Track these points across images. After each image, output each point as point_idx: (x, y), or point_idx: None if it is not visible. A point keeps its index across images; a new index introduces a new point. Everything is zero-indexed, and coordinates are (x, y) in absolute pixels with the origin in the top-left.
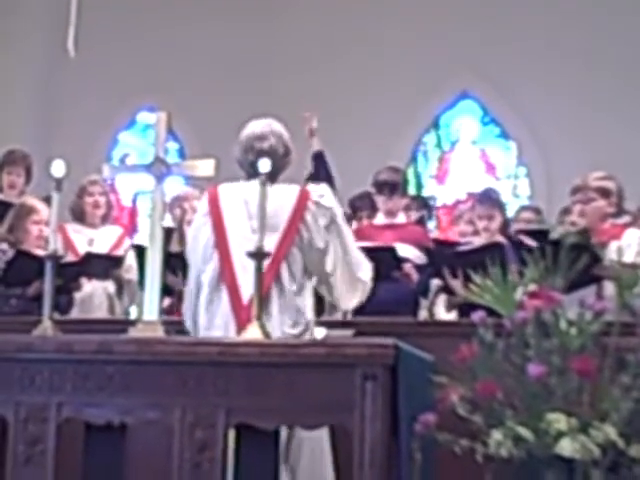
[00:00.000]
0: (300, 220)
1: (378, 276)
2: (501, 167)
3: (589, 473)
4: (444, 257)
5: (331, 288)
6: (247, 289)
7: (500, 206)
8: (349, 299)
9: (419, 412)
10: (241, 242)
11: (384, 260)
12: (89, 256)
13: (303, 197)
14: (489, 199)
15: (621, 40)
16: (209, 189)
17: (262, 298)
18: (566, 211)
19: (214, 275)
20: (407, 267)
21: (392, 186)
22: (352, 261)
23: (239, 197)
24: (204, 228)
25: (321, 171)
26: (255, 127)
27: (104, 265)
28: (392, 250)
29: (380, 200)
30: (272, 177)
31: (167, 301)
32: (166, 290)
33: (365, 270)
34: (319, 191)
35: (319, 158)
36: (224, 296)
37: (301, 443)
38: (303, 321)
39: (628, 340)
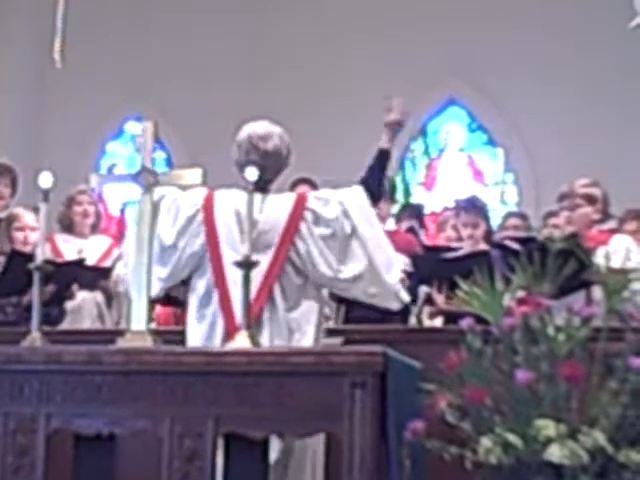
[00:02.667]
0: (295, 232)
1: None
2: (489, 174)
3: (578, 479)
4: (430, 264)
5: (348, 291)
6: (239, 307)
7: (485, 214)
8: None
9: (408, 419)
10: (234, 258)
11: None
12: (79, 264)
13: (299, 206)
14: (474, 207)
15: (608, 47)
16: (207, 195)
17: (250, 307)
18: (550, 214)
19: (206, 290)
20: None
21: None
22: (378, 266)
23: (231, 207)
24: (195, 222)
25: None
26: (256, 127)
27: (92, 276)
28: None
29: None
30: (270, 180)
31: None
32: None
33: (394, 272)
34: (322, 196)
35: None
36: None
37: (303, 457)
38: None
39: (616, 346)
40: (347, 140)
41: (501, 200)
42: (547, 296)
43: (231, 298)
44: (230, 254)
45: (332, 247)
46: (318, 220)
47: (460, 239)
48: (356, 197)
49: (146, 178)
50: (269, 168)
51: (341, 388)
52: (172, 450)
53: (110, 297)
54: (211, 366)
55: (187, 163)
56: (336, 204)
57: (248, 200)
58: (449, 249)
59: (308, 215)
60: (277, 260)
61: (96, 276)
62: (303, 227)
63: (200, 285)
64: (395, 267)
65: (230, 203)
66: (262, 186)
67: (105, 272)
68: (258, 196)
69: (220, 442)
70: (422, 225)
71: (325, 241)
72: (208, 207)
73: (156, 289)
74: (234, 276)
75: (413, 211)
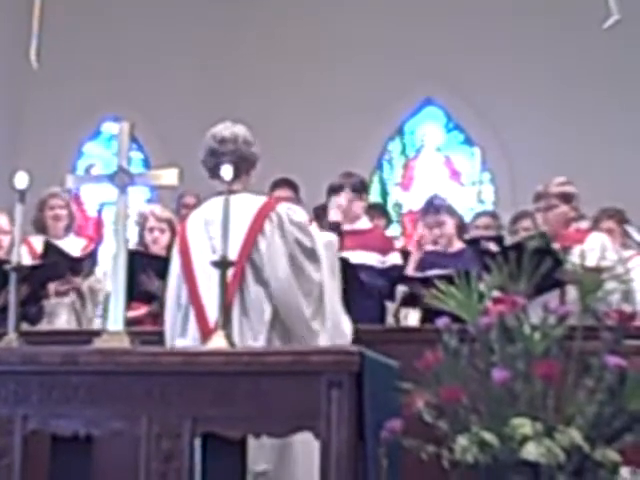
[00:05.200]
0: (258, 229)
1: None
2: (465, 173)
3: (554, 477)
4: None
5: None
6: (213, 312)
7: (448, 210)
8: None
9: (385, 418)
10: (204, 266)
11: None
12: (48, 247)
13: (267, 207)
14: (431, 206)
15: (586, 47)
16: (183, 221)
17: (227, 308)
18: (518, 217)
19: (185, 303)
20: None
21: (337, 189)
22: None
23: (201, 219)
24: (175, 258)
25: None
26: (220, 129)
27: (63, 265)
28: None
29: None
30: (236, 169)
31: (145, 308)
32: (147, 296)
33: (341, 329)
34: (293, 209)
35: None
36: (192, 324)
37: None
38: (264, 332)
39: (592, 344)
40: (325, 142)
41: (478, 199)
42: (523, 295)
43: (203, 304)
44: (202, 266)
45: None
46: (282, 226)
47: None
48: (329, 243)
49: (122, 178)
50: (228, 154)
51: (318, 388)
52: (150, 451)
53: (82, 297)
54: (188, 366)
55: (164, 164)
56: (303, 216)
57: (225, 199)
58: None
59: (274, 216)
60: (244, 250)
61: (67, 266)
62: (267, 226)
63: (183, 297)
64: (343, 328)
65: (199, 216)
66: (231, 187)
67: (78, 263)
68: (222, 198)
69: (198, 442)
70: (389, 224)
71: (285, 246)
72: (182, 232)
73: None
74: (206, 282)
75: (379, 210)
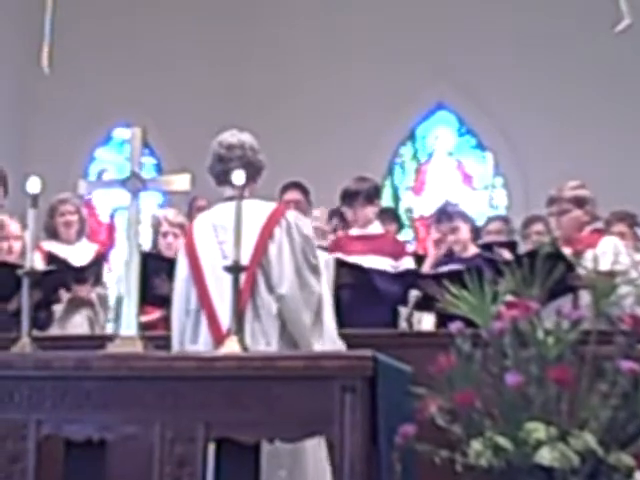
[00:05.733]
0: (269, 235)
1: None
2: (478, 178)
3: None
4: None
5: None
6: (226, 317)
7: (461, 216)
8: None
9: (398, 423)
10: (215, 271)
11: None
12: (52, 259)
13: (277, 213)
14: (444, 214)
15: (599, 51)
16: (189, 225)
17: (240, 314)
18: (531, 221)
19: (195, 308)
20: None
21: (352, 195)
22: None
23: (209, 224)
24: (182, 262)
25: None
26: (226, 136)
27: (69, 275)
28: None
29: (344, 210)
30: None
31: (158, 312)
32: (160, 300)
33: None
34: (302, 219)
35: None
36: (204, 329)
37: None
38: (276, 337)
39: (605, 348)
40: (337, 146)
41: (490, 204)
42: (536, 300)
43: (215, 309)
44: (212, 271)
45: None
46: (291, 234)
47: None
48: (327, 263)
49: (134, 184)
50: (234, 160)
51: (331, 392)
52: (163, 455)
53: (93, 306)
54: (201, 371)
55: (177, 169)
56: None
57: (237, 205)
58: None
59: (284, 224)
60: (252, 262)
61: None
62: (277, 232)
63: (192, 302)
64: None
65: (207, 220)
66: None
67: (82, 272)
68: (233, 203)
69: (211, 447)
70: (400, 229)
71: (292, 253)
72: (189, 236)
73: None
74: (220, 291)
75: (390, 214)
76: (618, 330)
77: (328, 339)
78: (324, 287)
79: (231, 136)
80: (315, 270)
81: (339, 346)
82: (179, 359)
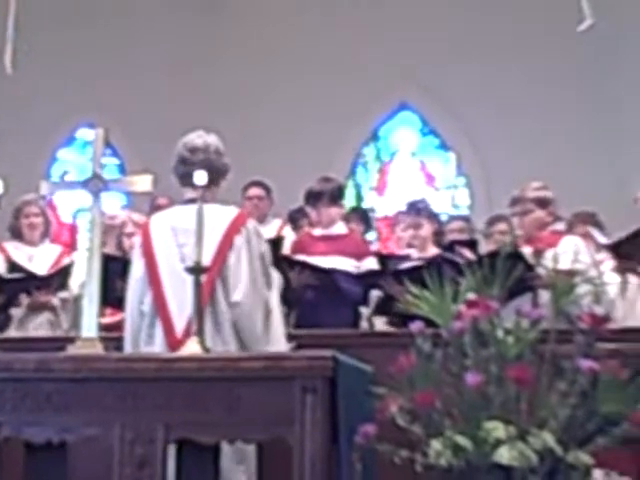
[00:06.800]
0: (229, 243)
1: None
2: (440, 178)
3: None
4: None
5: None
6: (181, 321)
7: (428, 214)
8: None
9: (359, 423)
10: (172, 273)
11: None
12: (14, 268)
13: (238, 221)
14: (413, 208)
15: (561, 51)
16: (144, 222)
17: (200, 316)
18: (494, 220)
19: (150, 310)
20: None
21: (316, 195)
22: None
23: (167, 225)
24: (138, 261)
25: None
26: (192, 138)
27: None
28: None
29: (308, 210)
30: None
31: (120, 315)
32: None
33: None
34: (259, 230)
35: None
36: (159, 332)
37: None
38: (234, 342)
39: (565, 347)
40: (301, 147)
41: (453, 204)
42: (496, 299)
43: (170, 313)
44: (169, 273)
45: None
46: (250, 243)
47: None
48: (278, 279)
49: (95, 184)
50: (198, 163)
51: (292, 393)
52: (123, 457)
53: (55, 311)
54: (162, 372)
55: (140, 170)
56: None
57: (199, 206)
58: (399, 257)
59: (244, 233)
60: (218, 259)
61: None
62: (238, 241)
63: (146, 302)
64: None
65: (166, 221)
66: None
67: (45, 281)
68: (193, 206)
69: (172, 448)
70: (369, 229)
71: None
72: (145, 235)
73: None
74: (175, 294)
75: (360, 215)
76: (577, 329)
77: (276, 344)
78: (273, 293)
79: (197, 137)
80: (268, 278)
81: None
82: (139, 360)
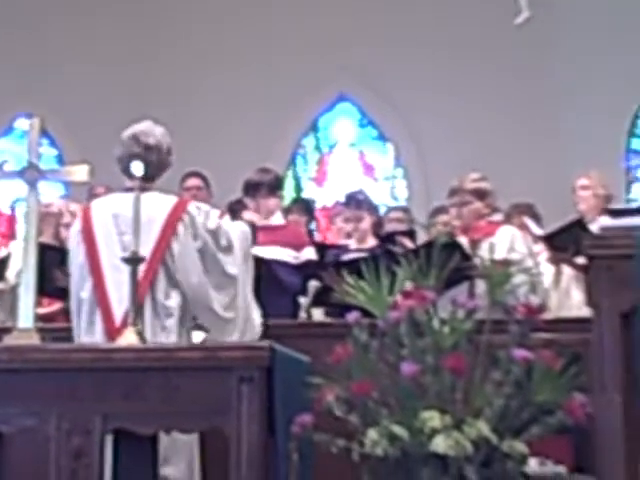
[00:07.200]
0: (172, 232)
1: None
2: (379, 169)
3: (463, 469)
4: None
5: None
6: (120, 310)
7: (369, 207)
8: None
9: (296, 413)
10: (112, 261)
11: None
12: None
13: (179, 208)
14: (354, 200)
15: (496, 46)
16: (84, 206)
17: (138, 305)
18: (438, 211)
19: (90, 297)
20: None
21: (254, 186)
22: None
23: (108, 212)
24: (78, 247)
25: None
26: (140, 126)
27: None
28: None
29: (247, 201)
30: (151, 178)
31: (58, 305)
32: (61, 292)
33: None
34: (202, 206)
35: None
36: (98, 319)
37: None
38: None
39: (500, 337)
40: (240, 138)
41: (391, 195)
42: (432, 290)
43: (110, 301)
44: (110, 260)
45: (203, 257)
46: (195, 226)
47: (349, 235)
48: (243, 234)
49: (31, 174)
50: (151, 163)
51: (228, 383)
52: (59, 448)
53: None
54: (98, 363)
55: (78, 160)
56: (216, 218)
57: (135, 197)
58: (338, 247)
59: (186, 218)
60: (158, 250)
61: None
62: (181, 229)
63: (87, 288)
64: (253, 320)
65: (107, 208)
66: (143, 185)
67: None
68: (132, 194)
69: (109, 439)
70: (312, 219)
71: (198, 245)
72: (85, 221)
73: None
74: (115, 282)
75: (303, 205)
76: (512, 319)
77: (242, 319)
78: (238, 264)
79: (149, 135)
80: (227, 250)
81: (252, 324)
82: (76, 351)
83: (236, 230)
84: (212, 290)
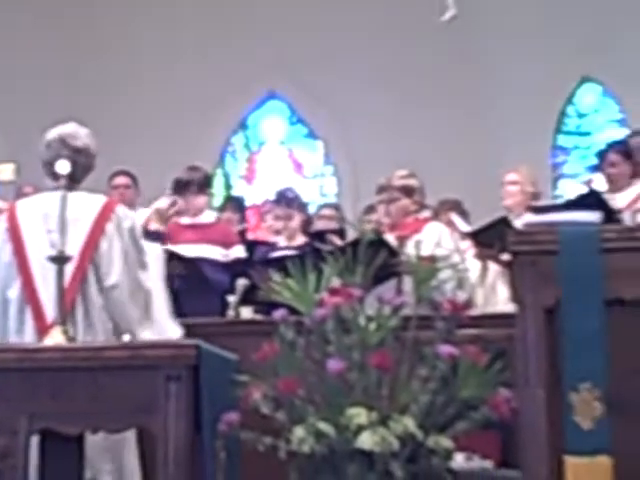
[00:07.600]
0: (100, 231)
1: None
2: (309, 166)
3: (389, 465)
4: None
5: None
6: (51, 308)
7: (298, 205)
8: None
9: (223, 411)
10: (40, 259)
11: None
12: None
13: (107, 208)
14: (284, 199)
15: (429, 40)
16: (9, 205)
17: (66, 305)
18: (370, 209)
19: (19, 296)
20: None
21: (184, 184)
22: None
23: (38, 211)
24: (4, 246)
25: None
26: (65, 128)
27: None
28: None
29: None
30: (78, 179)
31: None
32: None
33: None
34: (129, 214)
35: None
36: (28, 319)
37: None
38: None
39: (426, 334)
40: (169, 136)
41: (321, 192)
42: (359, 287)
43: (40, 299)
44: (38, 258)
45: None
46: (120, 228)
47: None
48: (158, 256)
49: None
50: (79, 165)
51: (155, 382)
52: None
53: None
54: (24, 362)
55: (4, 159)
56: (139, 229)
57: (62, 196)
58: (267, 244)
59: (114, 219)
60: (87, 249)
61: None
62: (109, 228)
63: (15, 286)
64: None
65: (36, 207)
66: (70, 186)
67: None
68: (59, 193)
69: (36, 439)
70: (244, 217)
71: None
72: (12, 220)
73: None
74: (45, 279)
75: (235, 204)
76: (438, 315)
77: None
78: (154, 282)
79: (76, 138)
80: (143, 266)
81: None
82: (1, 351)
83: (152, 252)
84: (128, 296)
